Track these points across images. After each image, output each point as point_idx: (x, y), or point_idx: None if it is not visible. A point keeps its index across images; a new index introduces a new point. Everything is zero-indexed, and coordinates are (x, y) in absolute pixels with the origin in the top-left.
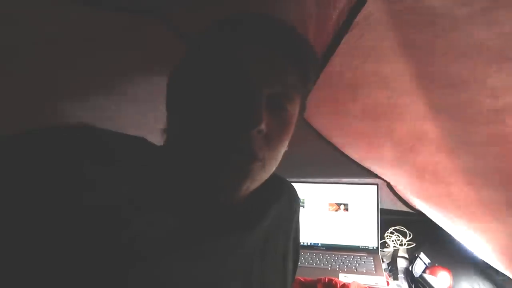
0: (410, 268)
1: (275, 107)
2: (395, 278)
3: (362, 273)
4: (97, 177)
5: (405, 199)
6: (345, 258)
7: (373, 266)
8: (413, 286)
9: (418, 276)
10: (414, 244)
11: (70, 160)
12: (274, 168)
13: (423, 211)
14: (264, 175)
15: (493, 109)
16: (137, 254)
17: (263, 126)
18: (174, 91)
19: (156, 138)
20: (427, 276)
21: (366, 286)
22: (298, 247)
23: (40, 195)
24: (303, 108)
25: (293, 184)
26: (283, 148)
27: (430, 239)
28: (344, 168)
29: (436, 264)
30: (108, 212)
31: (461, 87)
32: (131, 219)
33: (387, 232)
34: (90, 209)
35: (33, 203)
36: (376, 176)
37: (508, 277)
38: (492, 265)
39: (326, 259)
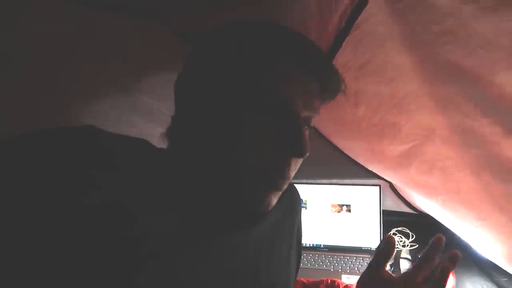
0: None
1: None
2: None
3: None
4: (102, 177)
5: (408, 200)
6: (347, 259)
7: None
8: None
9: None
10: (417, 246)
11: (74, 160)
12: None
13: (427, 211)
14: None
15: (502, 103)
16: (145, 252)
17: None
18: (189, 93)
19: (152, 142)
20: None
21: None
22: (300, 248)
23: (46, 195)
24: None
25: (295, 185)
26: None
27: None
28: (346, 169)
29: None
30: (113, 211)
31: (469, 84)
32: (137, 217)
33: (390, 233)
34: (95, 208)
35: (38, 204)
36: (379, 177)
37: None
38: (500, 265)
39: (328, 260)
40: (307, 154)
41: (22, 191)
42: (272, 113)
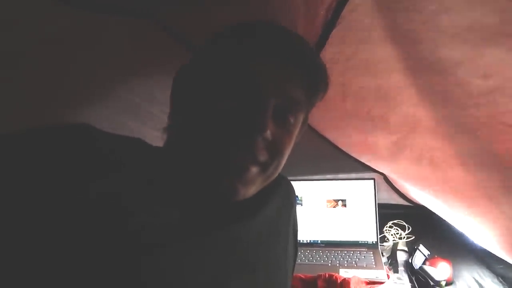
0: (410, 261)
1: (279, 117)
2: (395, 271)
3: (362, 267)
4: (98, 174)
5: (403, 192)
6: (345, 253)
7: (373, 260)
8: (414, 278)
9: (418, 268)
10: (413, 237)
11: (70, 157)
12: (273, 177)
13: (421, 202)
14: (262, 182)
15: (484, 90)
16: (143, 245)
17: (268, 134)
18: (181, 90)
19: (149, 142)
20: (427, 268)
21: (366, 280)
22: (296, 240)
23: (43, 192)
24: (305, 121)
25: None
26: (284, 158)
27: (429, 231)
28: (340, 164)
29: (436, 256)
30: (109, 206)
31: (452, 71)
32: (133, 212)
33: (386, 226)
34: (92, 204)
35: (36, 201)
36: (373, 170)
37: (508, 266)
38: (493, 252)
39: (326, 256)
40: (265, 133)
41: (17, 188)
42: (241, 95)
